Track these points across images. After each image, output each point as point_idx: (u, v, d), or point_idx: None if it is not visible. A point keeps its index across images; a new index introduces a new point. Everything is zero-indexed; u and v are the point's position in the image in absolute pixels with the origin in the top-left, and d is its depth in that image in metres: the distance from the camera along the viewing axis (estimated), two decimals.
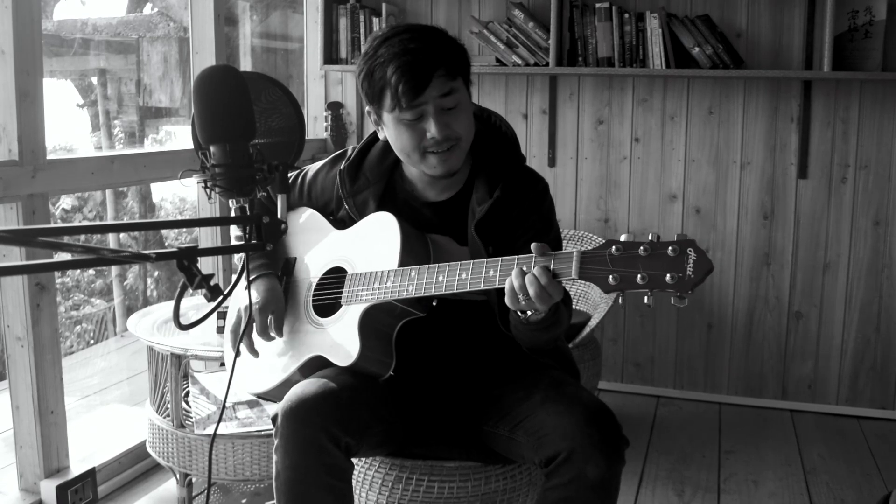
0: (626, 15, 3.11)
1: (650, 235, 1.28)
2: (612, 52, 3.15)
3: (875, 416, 3.23)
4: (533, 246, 1.35)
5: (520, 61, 3.26)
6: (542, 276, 1.32)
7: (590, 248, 1.33)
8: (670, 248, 1.26)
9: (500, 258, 1.40)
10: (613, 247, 1.28)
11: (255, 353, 1.65)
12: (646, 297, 1.29)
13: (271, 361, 1.65)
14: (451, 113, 1.52)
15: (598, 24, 3.15)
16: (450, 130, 1.52)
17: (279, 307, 1.65)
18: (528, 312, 1.43)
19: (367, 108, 1.60)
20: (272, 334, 1.64)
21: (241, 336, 1.62)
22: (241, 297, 1.66)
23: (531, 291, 1.33)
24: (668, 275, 1.25)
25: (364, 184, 1.67)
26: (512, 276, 1.35)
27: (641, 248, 1.27)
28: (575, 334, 2.71)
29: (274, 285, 1.66)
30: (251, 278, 1.66)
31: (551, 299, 1.34)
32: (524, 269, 1.34)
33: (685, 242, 1.26)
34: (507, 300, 1.38)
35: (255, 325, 1.62)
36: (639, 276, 1.26)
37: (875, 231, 3.17)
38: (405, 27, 1.54)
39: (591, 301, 2.91)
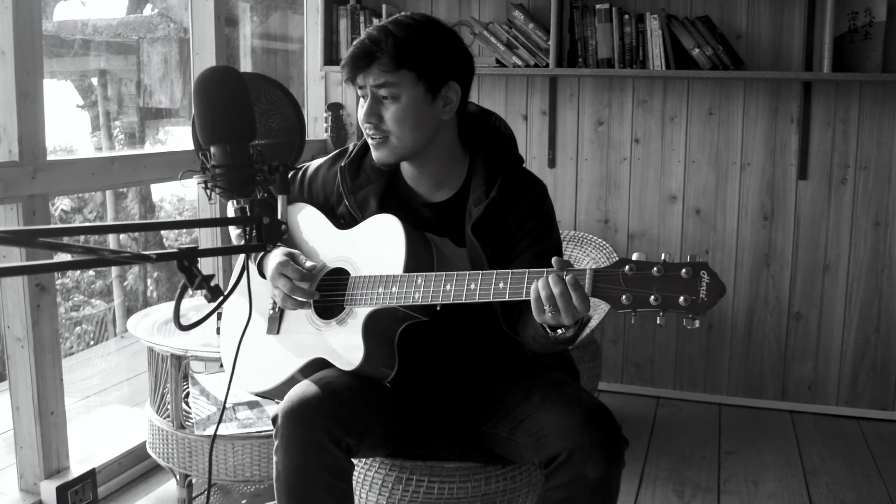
0: (626, 16, 3.11)
1: (663, 256, 1.29)
2: (612, 53, 3.15)
3: (875, 416, 3.23)
4: (554, 260, 1.34)
5: (520, 62, 3.26)
6: (576, 290, 1.31)
7: (603, 264, 1.33)
8: (684, 269, 1.26)
9: (510, 271, 1.39)
10: (627, 266, 1.29)
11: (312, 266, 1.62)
12: (658, 318, 1.29)
13: (272, 361, 1.65)
14: (384, 104, 1.54)
15: (598, 25, 3.15)
16: (375, 119, 1.54)
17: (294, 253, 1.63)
18: (559, 331, 1.41)
19: None
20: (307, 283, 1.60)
21: (242, 336, 1.62)
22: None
23: (560, 304, 1.32)
24: (682, 297, 1.26)
25: (365, 181, 1.67)
26: (539, 286, 1.34)
27: (655, 268, 1.27)
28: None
29: (282, 249, 1.65)
30: (262, 254, 1.67)
31: (578, 314, 1.33)
32: (551, 280, 1.32)
33: (698, 265, 1.27)
34: (533, 310, 1.36)
35: (294, 276, 1.58)
36: (652, 297, 1.27)
37: (875, 231, 3.17)
38: (402, 15, 1.57)
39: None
